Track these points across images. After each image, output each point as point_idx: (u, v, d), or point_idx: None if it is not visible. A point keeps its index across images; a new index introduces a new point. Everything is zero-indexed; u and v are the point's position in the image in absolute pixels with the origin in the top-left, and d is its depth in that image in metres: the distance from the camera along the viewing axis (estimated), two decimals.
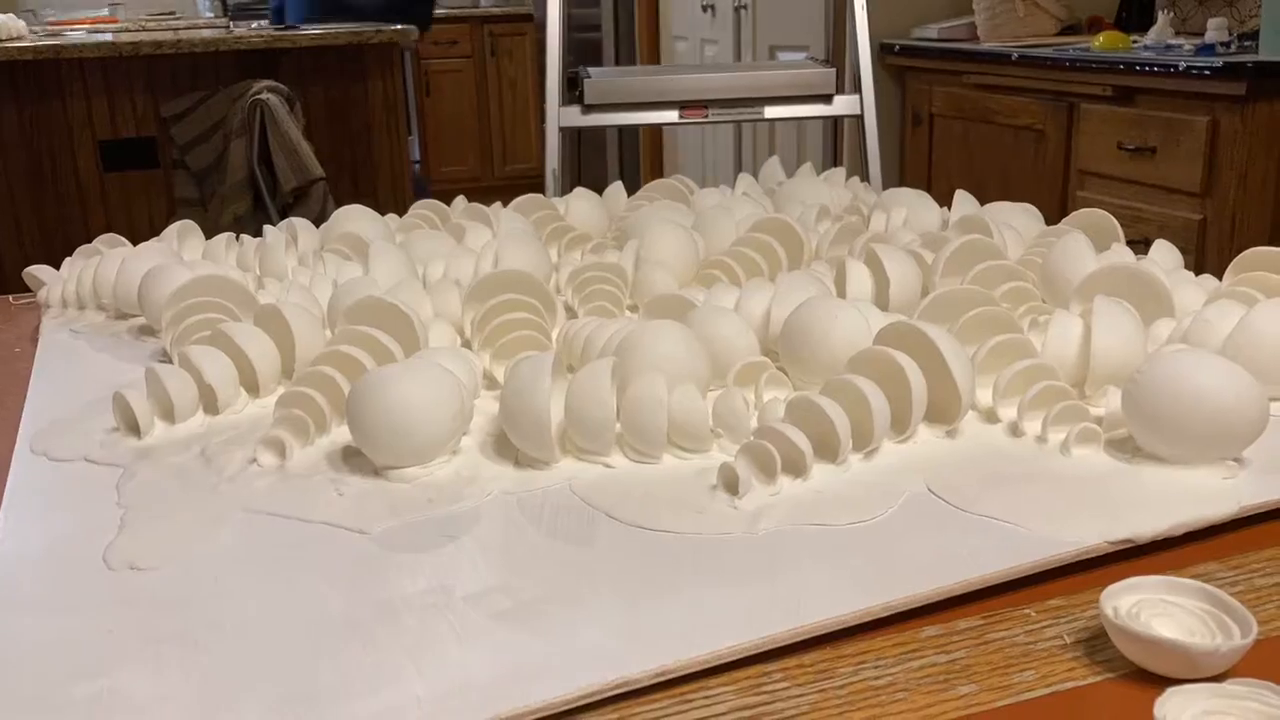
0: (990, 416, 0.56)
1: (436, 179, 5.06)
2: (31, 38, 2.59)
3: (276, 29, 2.81)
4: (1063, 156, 2.09)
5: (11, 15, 2.56)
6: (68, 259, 0.82)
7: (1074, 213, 0.80)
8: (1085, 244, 0.68)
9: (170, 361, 0.65)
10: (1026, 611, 0.41)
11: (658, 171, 4.03)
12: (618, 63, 4.21)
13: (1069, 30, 2.40)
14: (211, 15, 4.66)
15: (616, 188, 0.97)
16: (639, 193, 0.97)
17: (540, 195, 0.94)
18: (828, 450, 0.51)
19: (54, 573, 0.44)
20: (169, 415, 0.58)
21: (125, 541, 0.46)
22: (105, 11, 3.34)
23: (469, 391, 0.56)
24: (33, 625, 0.41)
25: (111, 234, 0.85)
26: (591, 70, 1.99)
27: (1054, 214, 0.89)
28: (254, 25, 3.16)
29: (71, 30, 2.83)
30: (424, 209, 0.91)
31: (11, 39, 2.51)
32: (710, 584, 0.42)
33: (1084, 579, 0.43)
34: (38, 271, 0.81)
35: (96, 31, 2.80)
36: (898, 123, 2.63)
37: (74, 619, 0.41)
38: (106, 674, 0.37)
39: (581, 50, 4.14)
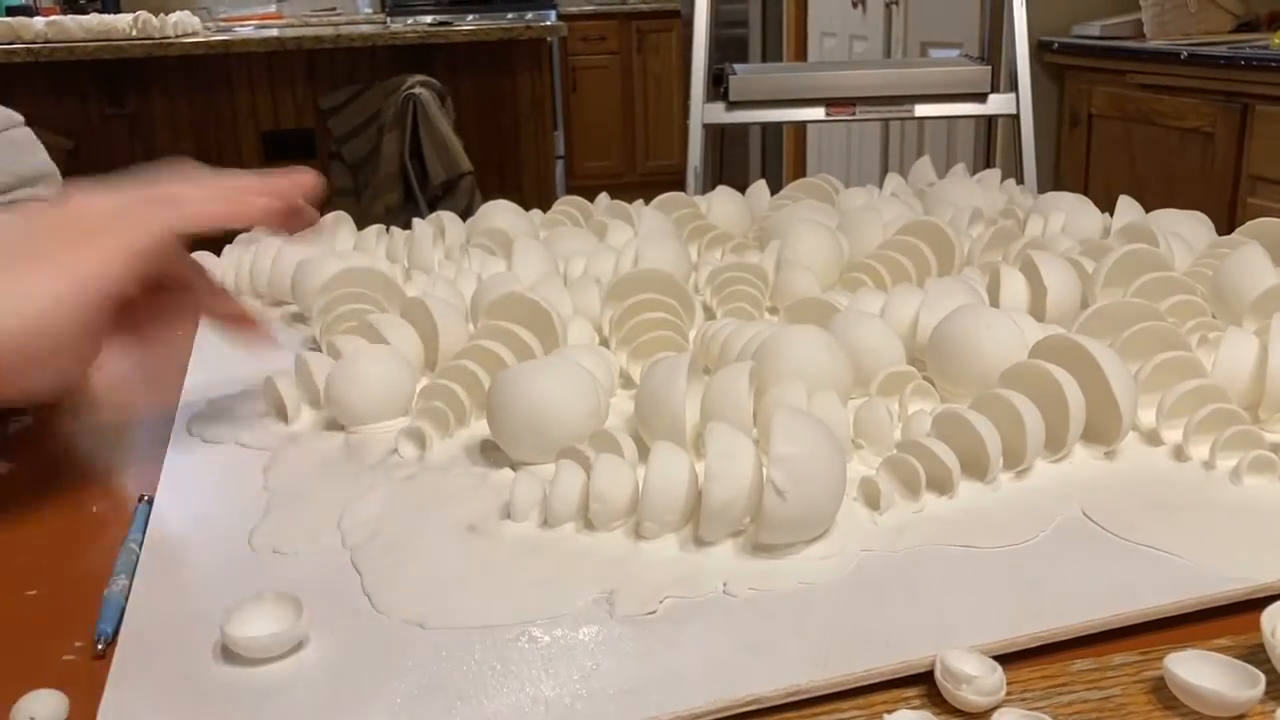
0: (1153, 439, 0.53)
1: (579, 174, 5.12)
2: (205, 33, 2.73)
3: (431, 25, 2.89)
4: (1233, 161, 1.98)
5: (187, 12, 2.70)
6: (228, 246, 0.86)
7: (1249, 222, 0.75)
8: (1262, 256, 0.64)
9: (319, 349, 0.66)
10: (1190, 650, 0.38)
11: (800, 171, 3.99)
12: (764, 59, 4.18)
13: (1244, 27, 2.27)
14: (370, 11, 4.82)
15: (759, 186, 0.95)
16: (783, 192, 0.95)
17: (682, 193, 0.93)
18: (976, 468, 0.49)
19: (203, 551, 0.46)
20: (316, 402, 0.59)
21: (269, 525, 0.47)
22: (272, 8, 3.48)
23: (605, 390, 0.56)
24: (179, 602, 0.42)
25: None
26: (737, 66, 1.98)
27: (1221, 221, 0.84)
28: (410, 21, 3.25)
29: (240, 26, 2.96)
30: (567, 205, 0.91)
31: (187, 35, 2.65)
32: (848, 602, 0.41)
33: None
34: (200, 258, 0.85)
35: (263, 27, 2.92)
36: (1054, 123, 2.54)
37: (217, 598, 0.42)
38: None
39: (728, 46, 4.13)
